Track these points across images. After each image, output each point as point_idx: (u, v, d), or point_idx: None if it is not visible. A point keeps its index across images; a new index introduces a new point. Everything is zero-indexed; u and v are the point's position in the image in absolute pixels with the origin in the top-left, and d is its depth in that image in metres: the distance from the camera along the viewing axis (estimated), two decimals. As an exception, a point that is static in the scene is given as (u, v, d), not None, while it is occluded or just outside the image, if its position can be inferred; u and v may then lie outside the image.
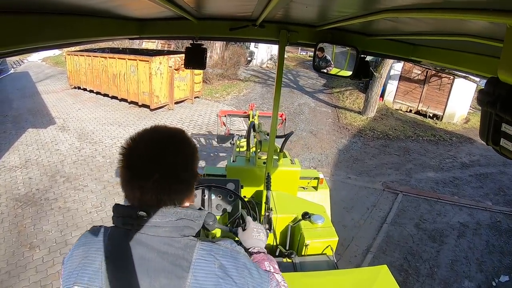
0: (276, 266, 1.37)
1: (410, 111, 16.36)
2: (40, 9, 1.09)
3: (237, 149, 5.50)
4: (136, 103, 13.69)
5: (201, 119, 12.89)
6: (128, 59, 13.26)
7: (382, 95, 16.53)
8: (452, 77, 14.32)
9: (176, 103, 13.98)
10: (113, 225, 1.11)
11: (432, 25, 1.35)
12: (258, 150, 4.05)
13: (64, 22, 1.27)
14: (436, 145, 12.44)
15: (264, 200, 3.04)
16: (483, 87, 0.93)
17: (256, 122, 5.98)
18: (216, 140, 9.33)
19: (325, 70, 2.51)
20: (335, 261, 2.82)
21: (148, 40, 23.73)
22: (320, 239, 2.91)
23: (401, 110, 16.44)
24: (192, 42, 2.47)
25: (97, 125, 12.14)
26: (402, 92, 16.31)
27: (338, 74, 2.54)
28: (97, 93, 15.92)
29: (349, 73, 2.37)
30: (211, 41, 19.12)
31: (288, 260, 2.73)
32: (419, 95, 16.13)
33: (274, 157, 3.71)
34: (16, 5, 0.97)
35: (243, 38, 2.53)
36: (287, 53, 29.64)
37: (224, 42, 20.22)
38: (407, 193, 8.65)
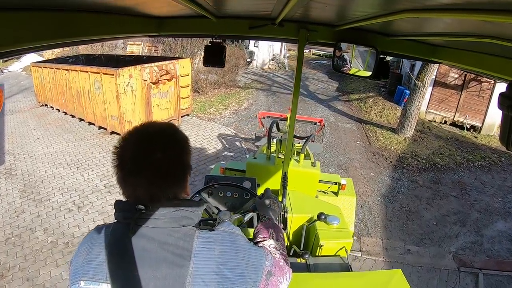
0: (281, 234, 1.44)
1: (445, 122, 13.18)
2: (62, 7, 1.08)
3: (264, 148, 4.86)
4: (106, 129, 10.00)
5: (192, 150, 8.97)
6: (91, 72, 9.59)
7: (413, 105, 12.98)
8: (493, 82, 11.80)
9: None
10: (115, 220, 1.10)
11: (453, 25, 1.30)
12: (280, 150, 3.98)
13: (84, 19, 1.26)
14: (489, 173, 9.52)
15: (280, 199, 2.87)
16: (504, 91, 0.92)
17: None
18: (253, 141, 8.54)
19: (344, 70, 2.41)
20: (349, 263, 2.63)
21: (133, 43, 19.91)
22: (335, 240, 2.78)
23: (435, 121, 13.17)
24: (211, 40, 2.36)
25: (51, 166, 8.59)
26: (437, 100, 13.00)
27: (357, 74, 2.43)
28: (66, 112, 12.29)
29: (369, 73, 2.27)
30: (200, 43, 15.95)
31: (302, 260, 2.57)
32: (455, 104, 12.92)
33: (294, 158, 3.86)
34: (36, 3, 0.96)
35: (262, 36, 2.42)
36: (289, 52, 26.19)
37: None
38: (488, 271, 6.12)
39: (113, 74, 8.56)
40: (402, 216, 7.07)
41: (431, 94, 12.88)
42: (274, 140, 4.83)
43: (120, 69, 8.48)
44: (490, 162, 10.02)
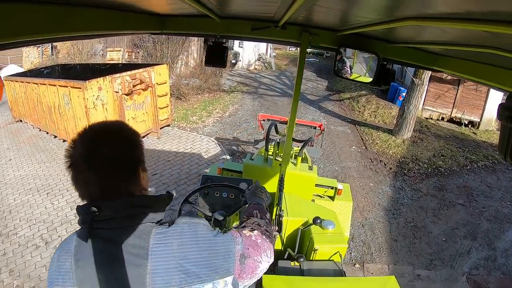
0: (265, 216, 1.44)
1: (442, 119, 12.71)
2: (64, 0, 1.08)
3: (262, 150, 4.71)
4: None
5: (172, 167, 8.24)
6: (59, 86, 8.53)
7: (408, 102, 12.31)
8: None
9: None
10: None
11: (455, 35, 1.29)
12: (276, 151, 3.94)
13: (86, 14, 1.26)
14: (494, 173, 8.95)
15: (276, 201, 2.88)
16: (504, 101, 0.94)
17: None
18: (253, 144, 8.19)
19: (345, 75, 2.37)
20: (343, 268, 2.67)
21: (113, 49, 18.91)
22: (330, 245, 2.82)
23: (431, 118, 12.67)
24: (214, 40, 2.37)
25: (20, 192, 7.61)
26: (433, 96, 12.50)
27: (358, 79, 2.40)
28: (40, 129, 11.26)
29: (369, 79, 2.26)
30: (184, 43, 15.56)
31: (296, 263, 2.64)
32: (452, 99, 12.48)
33: (291, 161, 3.79)
34: None
35: (264, 38, 2.42)
36: (276, 51, 25.42)
37: (201, 44, 16.32)
38: (505, 292, 5.43)
39: (80, 88, 7.61)
40: (408, 234, 6.32)
41: (427, 90, 12.18)
42: (272, 143, 4.78)
43: (87, 81, 7.51)
44: (493, 161, 9.45)
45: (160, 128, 9.65)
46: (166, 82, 9.46)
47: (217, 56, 2.44)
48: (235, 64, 20.97)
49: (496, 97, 11.82)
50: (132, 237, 1.02)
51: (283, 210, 2.78)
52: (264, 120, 7.56)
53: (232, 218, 2.45)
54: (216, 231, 1.13)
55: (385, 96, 13.52)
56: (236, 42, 21.04)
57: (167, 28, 2.24)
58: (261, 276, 1.24)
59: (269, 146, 4.10)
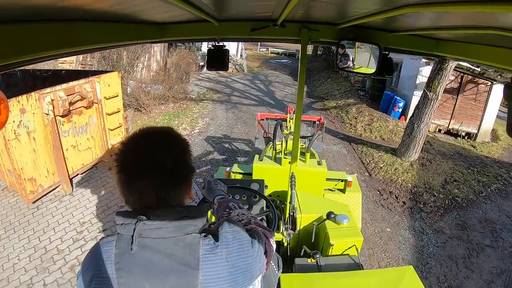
0: (241, 205, 1.50)
1: (439, 130, 11.74)
2: (64, 17, 1.11)
3: (268, 150, 4.84)
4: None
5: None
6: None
7: (403, 113, 11.08)
8: (489, 83, 10.87)
9: (77, 178, 7.16)
10: (118, 233, 1.06)
11: (455, 18, 1.32)
12: (285, 150, 3.93)
13: (87, 28, 1.28)
14: (508, 197, 8.18)
15: (288, 199, 2.90)
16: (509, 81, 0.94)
17: (292, 125, 5.70)
18: (254, 143, 7.78)
19: (347, 68, 2.42)
20: (360, 261, 2.71)
21: (64, 59, 16.22)
22: (345, 239, 2.84)
23: (428, 130, 11.06)
24: (213, 43, 2.42)
25: None
26: None
27: (360, 71, 2.45)
28: None
29: (372, 70, 2.29)
30: (140, 47, 13.43)
31: (313, 260, 2.67)
32: (451, 110, 11.52)
33: (300, 158, 3.89)
34: (40, 13, 0.98)
35: (264, 38, 2.46)
36: (247, 51, 23.73)
37: (165, 44, 14.44)
38: None
39: (-9, 109, 5.45)
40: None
41: (425, 100, 11.05)
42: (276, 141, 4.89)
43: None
44: (504, 183, 8.69)
45: (112, 156, 7.60)
46: (117, 95, 7.42)
47: (218, 59, 2.45)
48: (203, 66, 19.05)
49: (494, 107, 11.20)
50: (182, 248, 1.01)
51: (296, 207, 2.81)
52: (263, 120, 7.55)
53: None
54: (249, 236, 1.15)
55: (377, 105, 12.18)
56: (205, 43, 19.14)
57: (167, 35, 2.23)
58: (279, 276, 1.41)
59: (276, 145, 4.20)
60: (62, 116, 6.22)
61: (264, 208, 2.64)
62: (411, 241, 5.99)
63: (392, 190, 7.42)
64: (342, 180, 4.25)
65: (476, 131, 11.65)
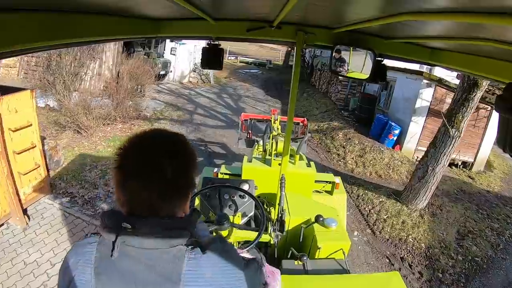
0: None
1: None
2: (59, 8, 1.10)
3: (256, 151, 5.19)
4: None
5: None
6: None
7: (398, 142, 9.69)
8: (489, 108, 10.18)
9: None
10: (101, 234, 1.02)
11: (451, 28, 1.33)
12: (274, 152, 4.04)
13: (82, 20, 1.28)
14: None
15: (277, 201, 2.96)
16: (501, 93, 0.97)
17: (278, 126, 6.01)
18: (238, 143, 7.94)
19: (341, 72, 2.44)
20: (347, 265, 2.72)
21: (7, 63, 13.54)
22: (333, 243, 2.89)
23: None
24: (209, 42, 2.46)
25: None
26: (429, 133, 10.34)
27: (354, 76, 2.45)
28: None
29: (366, 76, 2.29)
30: (95, 48, 11.91)
31: (300, 262, 2.67)
32: None
33: (289, 160, 3.84)
34: (32, 3, 0.97)
35: (260, 39, 2.49)
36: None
37: (119, 48, 12.79)
38: None
39: None
40: None
41: (423, 127, 9.71)
42: (261, 142, 5.16)
43: None
44: None
45: (25, 210, 5.48)
46: (31, 124, 5.36)
47: (213, 58, 2.49)
48: (164, 75, 17.00)
49: (492, 134, 10.41)
50: (164, 260, 0.97)
51: (285, 209, 2.86)
52: (246, 120, 7.71)
53: (233, 218, 2.55)
54: (245, 260, 1.13)
55: (367, 131, 10.70)
56: (168, 48, 17.17)
57: (162, 31, 2.23)
58: None
59: (258, 146, 4.71)
60: None
61: (253, 209, 2.64)
62: None
63: (403, 255, 5.83)
64: (329, 182, 4.29)
65: (473, 160, 10.93)
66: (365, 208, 6.96)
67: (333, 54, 2.30)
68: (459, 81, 9.62)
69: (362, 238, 6.14)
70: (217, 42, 2.43)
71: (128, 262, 0.96)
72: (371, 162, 8.85)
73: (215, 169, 4.40)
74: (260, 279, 1.16)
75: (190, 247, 1.00)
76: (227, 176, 4.28)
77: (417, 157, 10.04)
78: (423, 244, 6.12)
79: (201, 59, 2.56)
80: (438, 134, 6.55)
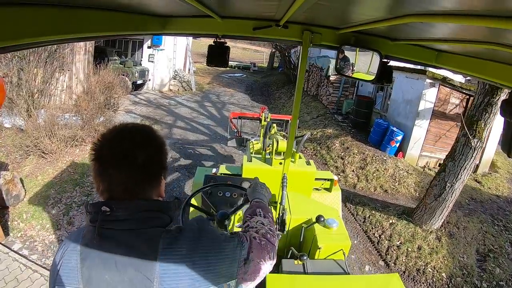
0: (268, 214, 1.48)
1: (440, 165, 9.54)
2: (66, 3, 1.12)
3: (251, 150, 5.06)
4: None
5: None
6: None
7: (401, 148, 9.00)
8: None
9: None
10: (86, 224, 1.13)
11: (457, 31, 1.35)
12: (275, 151, 4.05)
13: (88, 16, 1.30)
14: None
15: (279, 200, 2.97)
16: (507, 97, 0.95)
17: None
18: (227, 142, 8.05)
19: (347, 73, 2.45)
20: (347, 266, 2.75)
21: None
22: (333, 243, 2.92)
23: (428, 166, 9.55)
24: (215, 40, 2.46)
25: None
26: (433, 138, 9.47)
27: (360, 77, 2.47)
28: None
29: (371, 77, 2.29)
30: (65, 57, 11.09)
31: (300, 262, 2.72)
32: (453, 140, 9.23)
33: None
34: None
35: (266, 38, 2.49)
36: (196, 65, 21.05)
37: (89, 58, 12.04)
38: None
39: None
40: None
41: (427, 130, 8.98)
42: (253, 140, 5.41)
43: None
44: None
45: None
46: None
47: (218, 56, 2.50)
48: (142, 85, 16.01)
49: (497, 134, 9.75)
50: (142, 240, 1.04)
51: (286, 209, 2.90)
52: (235, 118, 7.75)
53: (235, 217, 2.58)
54: (224, 236, 1.17)
55: (365, 138, 9.93)
56: (145, 55, 16.19)
57: (168, 28, 2.26)
58: (265, 276, 1.32)
59: (250, 144, 4.85)
60: None
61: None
62: None
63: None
64: (328, 180, 4.32)
65: (478, 162, 10.11)
66: (374, 234, 6.13)
67: (339, 54, 2.33)
68: (464, 79, 9.02)
69: (375, 273, 5.32)
70: (223, 40, 2.44)
71: (109, 244, 1.03)
72: (374, 174, 8.04)
73: (214, 170, 4.46)
74: (240, 255, 1.15)
75: (166, 228, 1.09)
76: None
77: (426, 165, 9.43)
78: (444, 274, 5.32)
79: (207, 56, 2.56)
80: (457, 145, 5.76)
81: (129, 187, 1.07)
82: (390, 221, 6.36)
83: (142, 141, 1.12)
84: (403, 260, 5.53)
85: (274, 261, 1.26)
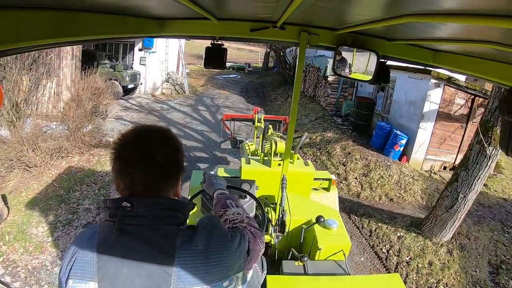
0: (238, 203, 1.53)
1: (445, 168, 9.56)
2: (64, 6, 1.13)
3: (248, 152, 5.34)
4: None
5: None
6: None
7: (405, 152, 8.68)
8: None
9: None
10: (103, 220, 1.15)
11: (454, 31, 1.35)
12: (273, 152, 4.03)
13: (86, 18, 1.31)
14: None
15: (278, 201, 3.03)
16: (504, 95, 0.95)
17: (263, 126, 5.92)
18: (221, 145, 7.90)
19: (344, 73, 2.49)
20: (347, 266, 2.77)
21: None
22: (334, 244, 2.95)
23: (433, 170, 9.21)
24: (212, 42, 2.48)
25: None
26: (438, 140, 9.09)
27: (357, 78, 2.53)
28: None
29: (369, 77, 2.32)
30: (50, 63, 10.61)
31: (300, 263, 2.72)
32: (458, 142, 9.33)
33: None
34: (40, 2, 1.00)
35: (263, 39, 2.54)
36: (189, 67, 20.67)
37: (77, 63, 11.72)
38: None
39: None
40: None
41: (432, 133, 8.64)
42: (248, 141, 5.68)
43: None
44: None
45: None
46: None
47: (216, 58, 2.51)
48: (134, 89, 15.59)
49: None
50: (160, 236, 1.07)
51: (285, 210, 2.94)
52: (228, 120, 7.70)
53: None
54: (231, 233, 1.20)
55: (366, 141, 9.59)
56: (137, 58, 15.80)
57: (165, 31, 2.27)
58: (265, 276, 1.45)
59: (245, 145, 4.98)
60: None
61: (254, 210, 2.64)
62: None
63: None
64: (326, 179, 4.33)
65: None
66: (382, 249, 5.77)
67: (336, 55, 2.35)
68: (470, 80, 8.70)
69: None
70: (220, 42, 2.45)
71: (128, 239, 1.06)
72: (379, 182, 7.68)
73: (212, 172, 4.31)
74: (244, 248, 1.19)
75: (181, 226, 1.14)
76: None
77: (431, 169, 9.11)
78: (459, 293, 5.01)
79: (204, 59, 2.58)
80: (471, 152, 5.38)
81: (149, 185, 1.11)
82: (398, 234, 6.00)
83: (161, 141, 1.16)
84: (414, 278, 5.17)
85: (264, 243, 1.33)
